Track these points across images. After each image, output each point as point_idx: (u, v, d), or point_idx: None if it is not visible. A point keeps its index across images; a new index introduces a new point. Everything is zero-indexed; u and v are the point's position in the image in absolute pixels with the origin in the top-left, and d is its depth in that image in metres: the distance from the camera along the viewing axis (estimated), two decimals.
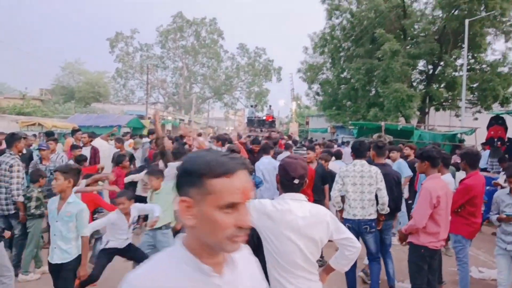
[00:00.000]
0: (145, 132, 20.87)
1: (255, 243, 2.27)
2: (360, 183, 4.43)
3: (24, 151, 6.32)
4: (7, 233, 4.28)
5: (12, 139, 5.22)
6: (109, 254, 4.25)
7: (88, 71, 43.15)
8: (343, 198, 4.57)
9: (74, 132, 9.50)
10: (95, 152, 7.96)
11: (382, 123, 13.39)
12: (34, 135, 11.39)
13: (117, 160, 6.84)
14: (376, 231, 4.51)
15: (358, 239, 4.24)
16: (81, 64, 43.82)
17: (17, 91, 38.44)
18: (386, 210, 4.43)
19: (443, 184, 3.87)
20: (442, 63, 18.99)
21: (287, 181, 2.34)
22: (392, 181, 4.77)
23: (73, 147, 7.31)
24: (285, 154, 6.84)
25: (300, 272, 2.24)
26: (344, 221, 4.45)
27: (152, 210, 4.37)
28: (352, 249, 2.32)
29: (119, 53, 46.59)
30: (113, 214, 4.24)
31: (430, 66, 19.97)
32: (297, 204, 2.30)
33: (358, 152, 4.62)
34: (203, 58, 49.24)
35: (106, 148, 8.65)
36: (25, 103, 28.70)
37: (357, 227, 4.39)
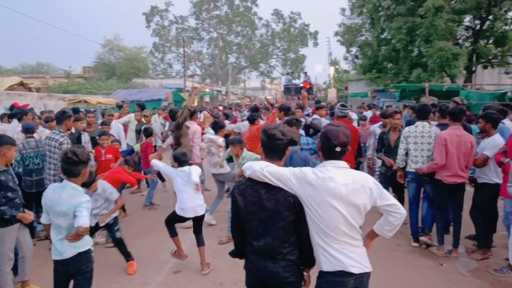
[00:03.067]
0: (184, 104, 21.29)
1: (298, 210, 2.30)
2: (420, 142, 5.15)
3: (73, 131, 6.38)
4: (28, 216, 3.81)
5: (62, 116, 5.25)
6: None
7: (127, 47, 43.95)
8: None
9: (119, 107, 9.96)
10: None
11: (426, 85, 12.80)
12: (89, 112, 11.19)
13: (146, 133, 7.32)
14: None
15: (419, 189, 5.30)
16: (119, 40, 44.65)
17: (62, 70, 39.96)
18: None
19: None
20: (490, 17, 17.64)
21: (329, 149, 2.33)
22: None
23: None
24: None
25: (343, 238, 2.26)
26: (407, 173, 5.31)
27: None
28: (397, 215, 2.30)
29: (155, 27, 47.02)
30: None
31: (477, 21, 18.62)
32: (339, 172, 2.29)
33: (421, 114, 5.33)
34: (237, 27, 48.70)
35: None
36: (70, 82, 29.85)
37: (418, 178, 5.18)
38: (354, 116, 9.87)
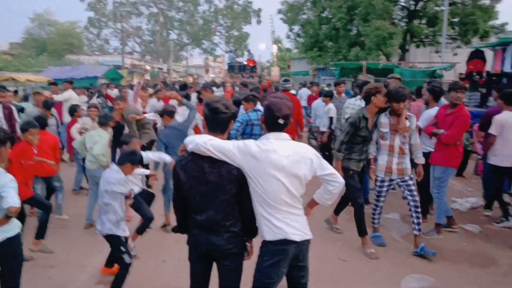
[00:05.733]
0: (123, 82, 20.39)
1: (241, 183, 2.32)
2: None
3: None
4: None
5: None
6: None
7: (59, 21, 40.96)
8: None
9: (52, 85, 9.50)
10: None
11: (364, 63, 13.27)
12: (16, 91, 10.55)
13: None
14: None
15: None
16: (50, 14, 41.47)
17: None
18: None
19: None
20: None
21: (272, 121, 2.35)
22: None
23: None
24: None
25: (285, 208, 2.33)
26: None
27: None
28: (336, 184, 2.40)
29: (90, 0, 44.08)
30: None
31: (412, 1, 19.57)
32: (281, 144, 2.33)
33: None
34: (178, 2, 47.00)
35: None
36: None
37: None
38: (293, 92, 10.30)
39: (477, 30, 17.13)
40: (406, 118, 4.21)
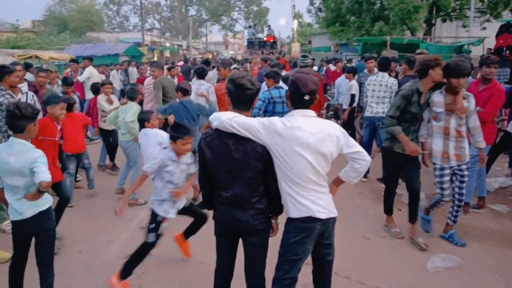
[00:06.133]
0: (143, 59, 20.46)
1: (266, 160, 2.30)
2: (378, 90, 5.84)
3: (24, 89, 5.73)
4: None
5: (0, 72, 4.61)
6: None
7: None
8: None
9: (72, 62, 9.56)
10: None
11: (388, 38, 12.93)
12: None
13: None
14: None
15: (373, 134, 6.13)
16: None
17: (8, 23, 37.01)
18: None
19: None
20: None
21: (298, 97, 2.31)
22: None
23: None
24: None
25: (310, 185, 2.30)
26: (365, 118, 6.13)
27: None
28: (362, 162, 2.35)
29: None
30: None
31: None
32: (307, 121, 2.29)
33: (382, 66, 6.01)
34: None
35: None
36: (18, 36, 27.84)
37: (372, 123, 5.96)
38: (315, 68, 10.13)
39: (508, 2, 16.36)
40: (464, 98, 3.74)
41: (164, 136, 4.14)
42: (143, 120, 4.54)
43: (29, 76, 7.04)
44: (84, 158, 5.35)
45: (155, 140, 4.33)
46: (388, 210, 4.45)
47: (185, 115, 5.10)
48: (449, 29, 20.75)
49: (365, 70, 7.17)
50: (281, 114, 5.00)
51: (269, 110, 5.14)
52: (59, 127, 4.27)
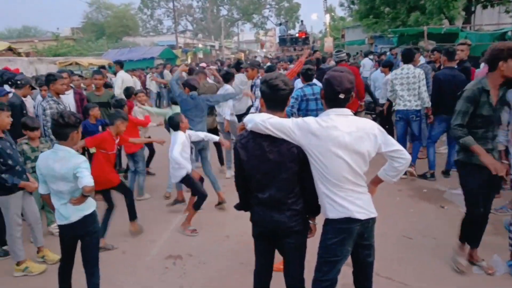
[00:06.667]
0: (178, 62, 20.85)
1: (302, 161, 2.28)
2: (406, 82, 5.69)
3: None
4: (31, 184, 3.73)
5: (46, 80, 4.99)
6: None
7: (114, 4, 42.48)
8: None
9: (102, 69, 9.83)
10: None
11: (425, 28, 12.48)
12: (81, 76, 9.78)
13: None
14: (419, 120, 5.81)
15: (407, 125, 5.88)
16: None
17: (50, 32, 38.72)
18: (428, 103, 5.67)
19: None
20: None
21: (332, 96, 2.27)
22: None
23: None
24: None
25: (348, 186, 2.26)
26: (396, 112, 5.91)
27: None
28: (402, 161, 2.28)
29: None
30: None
31: None
32: (343, 120, 2.24)
33: (405, 58, 5.82)
34: None
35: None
36: (59, 44, 29.05)
37: (405, 116, 5.77)
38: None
39: None
40: None
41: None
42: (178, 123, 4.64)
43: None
44: (139, 160, 5.62)
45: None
46: (465, 238, 3.53)
47: (193, 105, 5.28)
48: (490, 15, 19.73)
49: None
50: (315, 111, 4.96)
51: (302, 108, 5.11)
52: (117, 141, 4.52)
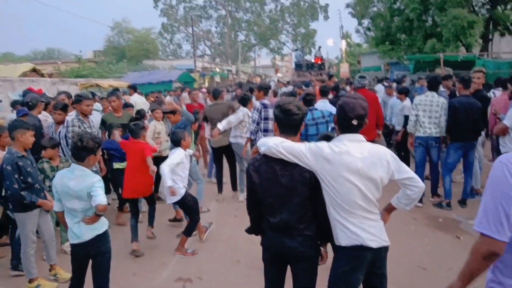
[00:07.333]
0: (195, 85, 21.20)
1: (314, 185, 2.28)
2: (429, 110, 5.65)
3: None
4: (48, 203, 3.85)
5: (74, 100, 5.31)
6: None
7: (136, 29, 43.77)
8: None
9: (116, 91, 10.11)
10: None
11: (441, 55, 12.52)
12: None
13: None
14: (438, 146, 5.76)
15: (426, 152, 5.82)
16: (128, 22, 44.46)
17: (73, 55, 39.99)
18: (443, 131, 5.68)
19: None
20: None
21: (345, 122, 2.28)
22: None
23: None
24: None
25: (360, 212, 2.24)
26: (416, 138, 5.86)
27: None
28: (415, 189, 2.26)
29: (163, 7, 46.48)
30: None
31: None
32: (356, 145, 2.25)
33: (431, 85, 5.80)
34: (245, 3, 47.81)
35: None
36: (81, 66, 29.93)
37: (425, 142, 5.74)
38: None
39: None
40: None
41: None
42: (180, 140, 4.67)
43: (97, 106, 7.38)
44: None
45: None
46: None
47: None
48: (508, 43, 19.64)
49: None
50: (315, 136, 4.93)
51: (303, 133, 5.06)
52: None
